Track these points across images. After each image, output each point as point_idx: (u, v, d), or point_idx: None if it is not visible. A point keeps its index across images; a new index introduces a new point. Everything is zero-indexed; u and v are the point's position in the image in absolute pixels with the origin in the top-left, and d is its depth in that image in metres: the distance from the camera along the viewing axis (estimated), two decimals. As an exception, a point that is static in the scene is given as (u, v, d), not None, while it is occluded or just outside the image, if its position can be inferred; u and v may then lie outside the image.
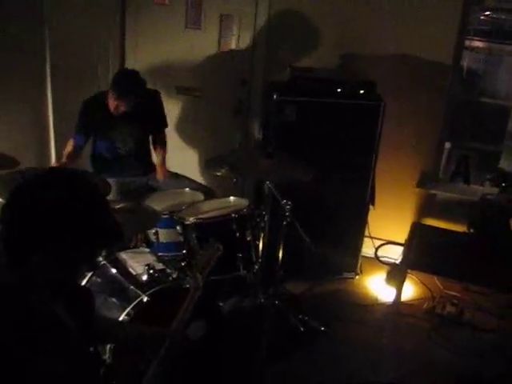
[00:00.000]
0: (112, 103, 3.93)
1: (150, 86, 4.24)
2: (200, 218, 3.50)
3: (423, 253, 4.18)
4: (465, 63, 4.93)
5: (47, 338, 1.62)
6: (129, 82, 3.94)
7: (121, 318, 3.05)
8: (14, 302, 1.62)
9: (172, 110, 4.66)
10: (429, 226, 4.63)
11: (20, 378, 1.56)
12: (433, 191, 4.74)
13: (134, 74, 3.95)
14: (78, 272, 1.80)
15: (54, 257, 1.65)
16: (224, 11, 4.65)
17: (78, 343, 1.74)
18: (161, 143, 4.39)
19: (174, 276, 3.31)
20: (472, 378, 3.66)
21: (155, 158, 4.40)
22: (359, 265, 4.63)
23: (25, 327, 1.59)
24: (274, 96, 4.06)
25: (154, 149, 4.42)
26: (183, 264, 3.59)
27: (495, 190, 4.53)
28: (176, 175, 4.33)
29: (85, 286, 3.17)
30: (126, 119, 4.05)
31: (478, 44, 9.38)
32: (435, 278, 4.51)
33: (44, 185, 1.68)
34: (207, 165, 3.83)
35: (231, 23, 4.70)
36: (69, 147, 4.04)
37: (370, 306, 4.30)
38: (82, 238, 1.65)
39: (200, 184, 4.30)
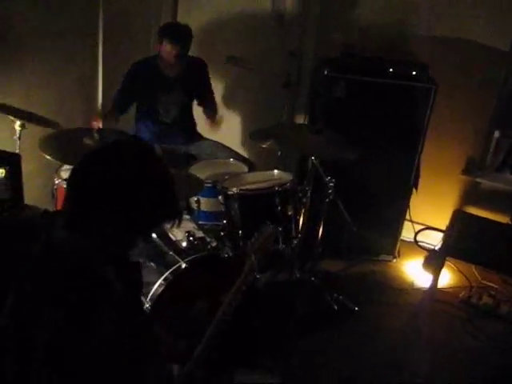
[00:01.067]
0: (165, 51, 3.91)
1: (199, 53, 4.23)
2: (243, 189, 3.49)
3: (463, 241, 4.12)
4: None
5: (102, 298, 1.64)
6: (179, 25, 4.02)
7: (158, 282, 3.08)
8: (78, 265, 1.63)
9: (219, 79, 4.65)
10: (471, 214, 4.55)
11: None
12: (478, 179, 4.67)
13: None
14: (133, 243, 1.81)
15: (118, 226, 1.66)
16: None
17: (128, 310, 1.75)
18: (211, 107, 4.39)
19: (214, 245, 3.32)
20: (503, 371, 3.63)
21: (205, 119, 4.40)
22: (397, 248, 4.60)
23: (87, 289, 1.61)
24: (325, 71, 4.02)
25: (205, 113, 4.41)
26: (223, 234, 3.60)
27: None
28: (221, 145, 4.33)
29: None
30: (171, 85, 4.06)
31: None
32: (473, 268, 4.45)
33: (119, 155, 1.68)
34: (253, 136, 3.81)
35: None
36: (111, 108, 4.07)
37: (405, 291, 4.28)
38: (148, 210, 1.67)
39: (243, 156, 4.29)
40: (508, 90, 4.57)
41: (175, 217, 1.77)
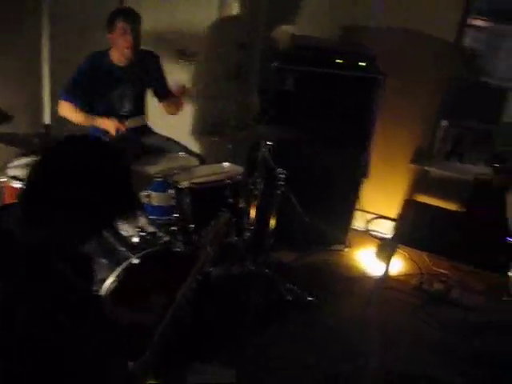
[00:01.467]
0: (118, 35, 3.83)
1: (150, 49, 4.17)
2: (194, 183, 3.47)
3: (414, 229, 4.20)
4: (466, 42, 4.88)
5: (60, 293, 1.64)
6: (129, 7, 3.93)
7: (110, 279, 3.05)
8: (36, 260, 1.64)
9: (169, 74, 4.59)
10: (421, 202, 4.65)
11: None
12: (427, 168, 4.74)
13: None
14: (88, 237, 1.82)
15: (72, 220, 1.68)
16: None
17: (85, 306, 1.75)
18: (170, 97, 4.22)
19: (165, 239, 3.31)
20: (454, 355, 3.70)
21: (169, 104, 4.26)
22: (349, 238, 4.64)
23: (45, 284, 1.63)
24: (275, 63, 4.01)
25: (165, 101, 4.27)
26: (175, 228, 3.58)
27: (489, 170, 4.54)
28: (171, 140, 4.28)
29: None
30: (125, 77, 4.00)
31: (480, 23, 9.36)
32: (424, 255, 4.53)
33: (74, 151, 1.70)
34: (204, 130, 3.80)
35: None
36: (70, 108, 3.96)
37: (358, 279, 4.32)
38: (103, 205, 1.70)
39: (193, 151, 4.25)
40: (454, 80, 4.65)
41: (131, 211, 1.78)
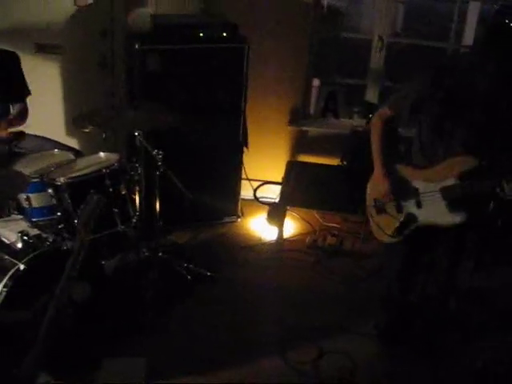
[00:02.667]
0: None
1: (6, 44, 4.01)
2: (71, 178, 3.40)
3: (300, 189, 4.31)
4: (325, 0, 4.99)
5: None
6: None
7: (-1, 291, 2.97)
8: None
9: (32, 70, 4.44)
10: (304, 162, 4.75)
11: None
12: (304, 128, 4.83)
13: None
14: None
15: None
16: (76, -39, 4.44)
17: None
18: (20, 116, 3.95)
19: (51, 240, 3.23)
20: (352, 303, 3.83)
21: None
22: (239, 208, 4.68)
23: None
24: (136, 46, 3.96)
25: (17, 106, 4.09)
26: (60, 226, 3.50)
27: (363, 122, 4.69)
28: (43, 138, 4.15)
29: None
30: None
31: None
32: (314, 212, 4.64)
33: None
34: (74, 122, 3.71)
35: (85, -26, 4.51)
36: None
37: (254, 247, 4.38)
38: None
39: (67, 146, 4.14)
40: (318, 39, 4.75)
41: None
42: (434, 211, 2.96)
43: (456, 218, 2.91)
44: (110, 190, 3.45)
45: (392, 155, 3.16)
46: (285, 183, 4.39)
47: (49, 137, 4.13)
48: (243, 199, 4.71)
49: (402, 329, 3.53)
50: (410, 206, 3.04)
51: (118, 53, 4.63)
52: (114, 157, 3.65)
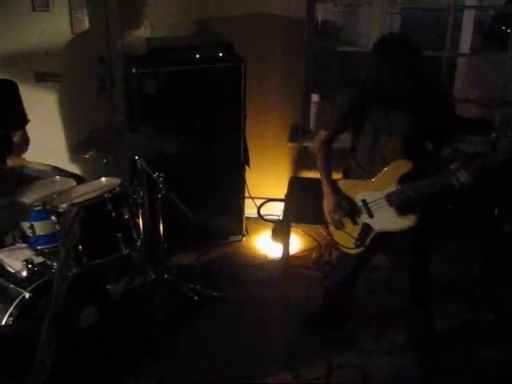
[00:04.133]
0: None
1: (5, 73, 4.03)
2: (73, 204, 3.40)
3: (303, 205, 4.30)
4: (319, 16, 5.02)
5: None
6: None
7: (4, 321, 2.96)
8: None
9: (32, 98, 4.47)
10: (306, 178, 4.75)
11: None
12: (305, 144, 4.82)
13: None
14: None
15: None
16: (72, -11, 4.48)
17: None
18: (21, 143, 3.97)
19: (56, 267, 3.23)
20: (368, 315, 3.81)
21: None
22: (244, 226, 4.67)
23: None
24: (133, 70, 3.98)
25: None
26: (65, 253, 3.50)
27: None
28: (45, 166, 4.16)
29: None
30: None
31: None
32: (319, 227, 4.60)
33: None
34: (75, 149, 3.73)
35: (80, 2, 4.54)
36: None
37: (260, 265, 4.37)
38: None
39: (69, 172, 4.15)
40: (314, 54, 4.76)
41: None
42: (385, 218, 3.09)
43: (407, 222, 3.03)
44: (113, 214, 3.45)
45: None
46: (288, 200, 4.38)
47: (50, 164, 4.15)
48: (247, 218, 4.71)
49: (324, 321, 3.70)
50: (364, 217, 3.16)
51: (116, 77, 4.66)
52: (115, 181, 3.65)
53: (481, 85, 6.65)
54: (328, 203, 3.26)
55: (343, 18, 9.08)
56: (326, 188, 3.25)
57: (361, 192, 3.13)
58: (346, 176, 3.27)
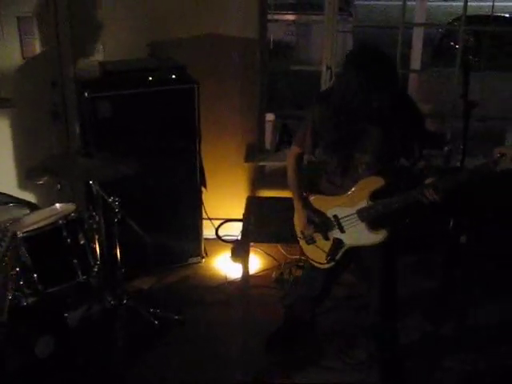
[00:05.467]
0: None
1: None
2: (26, 231, 3.35)
3: (262, 224, 4.29)
4: (271, 36, 5.06)
5: None
6: None
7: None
8: None
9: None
10: (263, 197, 4.76)
11: None
12: (261, 163, 4.84)
13: None
14: None
15: None
16: (21, 14, 4.43)
17: None
18: None
19: (10, 296, 3.18)
20: (329, 332, 3.82)
21: None
22: (203, 248, 4.65)
23: None
24: (86, 94, 3.95)
25: None
26: (21, 282, 3.44)
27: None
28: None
29: None
30: None
31: (288, 17, 9.79)
32: (278, 246, 4.64)
33: None
34: (28, 175, 3.67)
35: (31, 26, 4.50)
36: None
37: (220, 286, 4.35)
38: None
39: (22, 199, 4.09)
40: (267, 74, 4.79)
41: None
42: (356, 233, 3.09)
43: (378, 237, 3.03)
44: (68, 240, 3.41)
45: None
46: (246, 219, 4.37)
47: (2, 191, 4.08)
48: (206, 239, 4.68)
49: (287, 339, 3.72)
50: (335, 232, 3.16)
51: (70, 102, 4.62)
52: (70, 207, 3.62)
53: (431, 100, 6.78)
54: (299, 219, 3.26)
55: (296, 37, 9.18)
56: (297, 203, 3.26)
57: (332, 207, 3.12)
58: (316, 191, 3.25)
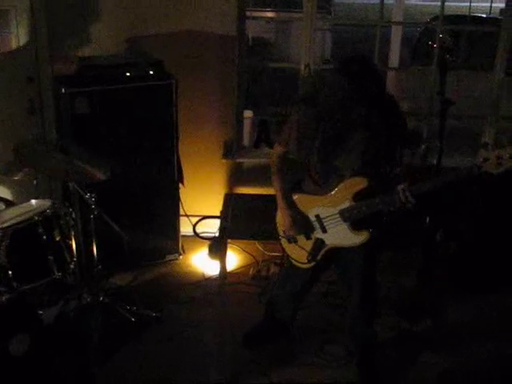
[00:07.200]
0: None
1: None
2: (1, 228, 3.32)
3: (239, 221, 4.31)
4: (250, 33, 5.05)
5: None
6: None
7: None
8: None
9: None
10: (241, 194, 4.77)
11: None
12: (239, 160, 4.84)
13: None
14: None
15: None
16: (-4, 8, 4.39)
17: None
18: None
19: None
20: (306, 329, 3.82)
21: None
22: (180, 245, 4.63)
23: None
24: (63, 90, 3.91)
25: None
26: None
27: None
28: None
29: None
30: None
31: (268, 14, 9.80)
32: (256, 243, 4.64)
33: None
34: (3, 171, 3.64)
35: (7, 20, 4.46)
36: None
37: (198, 283, 4.33)
38: None
39: (-2, 196, 4.06)
40: (246, 71, 4.79)
41: None
42: (338, 234, 3.10)
43: (360, 238, 3.05)
44: (44, 237, 3.38)
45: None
46: (223, 216, 4.38)
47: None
48: (183, 236, 4.66)
49: (264, 336, 3.72)
50: (317, 232, 3.17)
51: (46, 98, 4.58)
52: (46, 203, 3.58)
53: (409, 98, 6.83)
54: (283, 217, 3.24)
55: (275, 34, 9.18)
56: (280, 202, 3.23)
57: (315, 207, 3.13)
58: (298, 189, 3.24)
